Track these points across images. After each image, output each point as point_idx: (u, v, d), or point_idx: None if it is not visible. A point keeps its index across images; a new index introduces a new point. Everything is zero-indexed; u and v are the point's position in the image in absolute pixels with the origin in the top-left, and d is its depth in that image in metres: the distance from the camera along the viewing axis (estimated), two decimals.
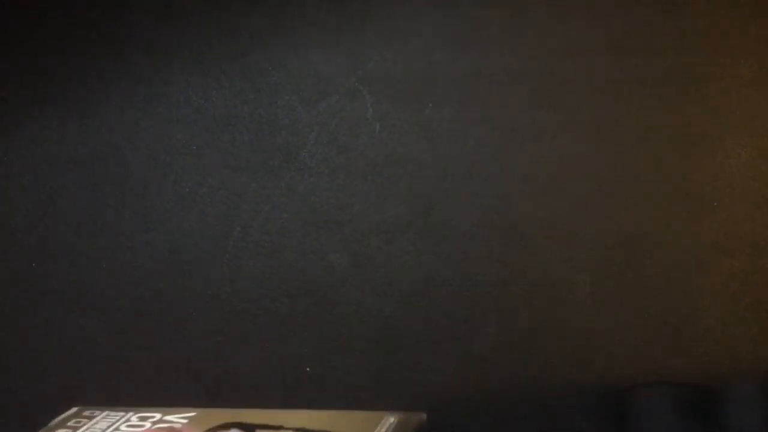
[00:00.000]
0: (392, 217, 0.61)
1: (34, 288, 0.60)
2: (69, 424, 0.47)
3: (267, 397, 0.58)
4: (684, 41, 0.65)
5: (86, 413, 0.48)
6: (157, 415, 0.46)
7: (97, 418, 0.47)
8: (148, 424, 0.45)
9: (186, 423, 0.45)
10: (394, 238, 0.61)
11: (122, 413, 0.47)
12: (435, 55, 0.64)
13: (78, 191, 0.61)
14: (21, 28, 0.63)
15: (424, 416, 0.45)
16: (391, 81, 0.63)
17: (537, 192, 0.61)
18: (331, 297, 0.60)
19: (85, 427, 0.46)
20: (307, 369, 0.59)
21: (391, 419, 0.44)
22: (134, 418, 0.46)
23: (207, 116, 0.62)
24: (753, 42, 0.65)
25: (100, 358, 0.59)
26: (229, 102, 0.63)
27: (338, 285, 0.60)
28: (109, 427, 0.45)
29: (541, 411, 0.58)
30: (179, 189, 0.61)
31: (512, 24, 0.65)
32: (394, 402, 0.58)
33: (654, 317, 0.60)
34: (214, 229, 0.61)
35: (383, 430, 0.43)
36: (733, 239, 0.62)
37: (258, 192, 0.61)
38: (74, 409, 0.49)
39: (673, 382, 0.58)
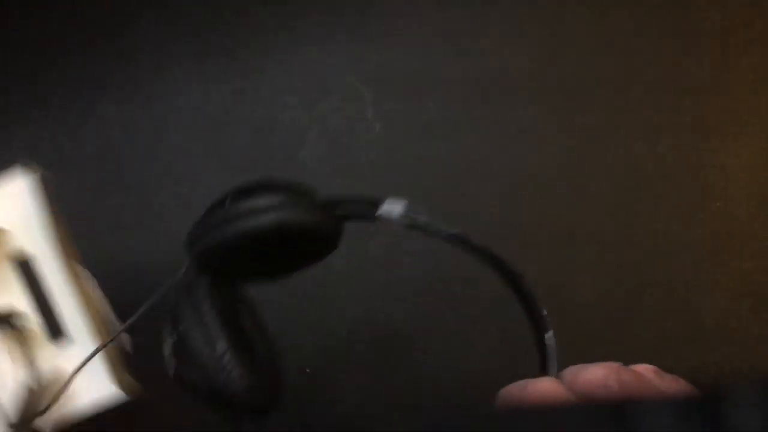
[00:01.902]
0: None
1: None
2: None
3: None
4: (685, 41, 0.65)
5: None
6: None
7: None
8: None
9: None
10: (394, 238, 0.60)
11: None
12: (435, 55, 0.64)
13: (77, 191, 0.61)
14: (21, 28, 0.63)
15: None
16: (391, 81, 0.63)
17: (538, 191, 0.61)
18: (331, 297, 0.60)
19: None
20: (307, 370, 0.58)
21: None
22: None
23: (207, 116, 0.62)
24: (754, 42, 0.65)
25: None
26: (229, 102, 0.63)
27: (338, 285, 0.60)
28: None
29: (541, 411, 0.58)
30: (178, 189, 0.61)
31: (511, 24, 0.65)
32: (393, 402, 0.58)
33: (655, 317, 0.60)
34: None
35: None
36: (735, 239, 0.62)
37: None
38: None
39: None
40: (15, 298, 0.44)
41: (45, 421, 0.42)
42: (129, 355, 0.47)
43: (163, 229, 0.61)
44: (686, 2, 0.66)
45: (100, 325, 0.46)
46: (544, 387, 0.33)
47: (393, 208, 0.36)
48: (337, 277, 0.60)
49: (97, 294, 0.47)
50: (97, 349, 0.43)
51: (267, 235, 0.34)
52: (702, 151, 0.63)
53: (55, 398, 0.42)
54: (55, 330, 0.45)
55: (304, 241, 0.36)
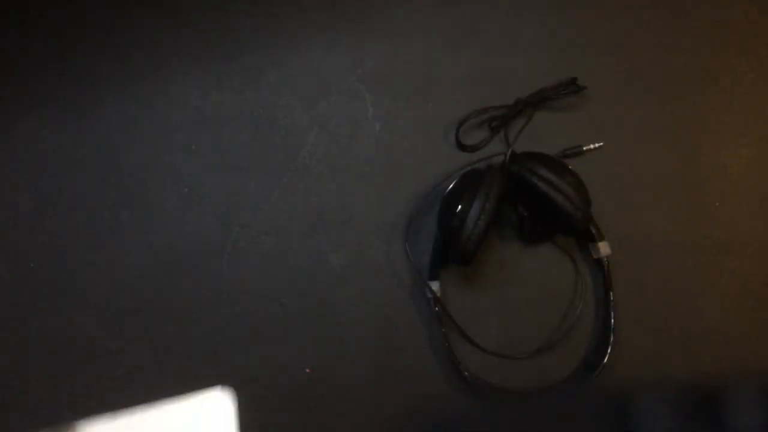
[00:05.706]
0: (392, 217, 0.61)
1: (34, 288, 0.60)
2: None
3: (266, 399, 0.58)
4: (686, 41, 0.65)
5: None
6: None
7: None
8: None
9: None
10: (394, 238, 0.60)
11: None
12: (435, 55, 0.64)
13: (77, 191, 0.61)
14: (20, 28, 0.63)
15: None
16: (391, 81, 0.63)
17: None
18: (331, 297, 0.60)
19: None
20: (307, 370, 0.58)
21: None
22: None
23: (207, 116, 0.62)
24: (754, 42, 0.65)
25: (100, 358, 0.59)
26: (229, 102, 0.63)
27: (338, 285, 0.60)
28: None
29: (541, 410, 0.58)
30: (179, 189, 0.61)
31: (511, 24, 0.65)
32: (391, 403, 0.58)
33: (656, 317, 0.60)
34: (214, 229, 0.60)
35: None
36: (736, 239, 0.62)
37: (258, 192, 0.61)
38: None
39: (674, 382, 0.58)
40: None
41: None
42: None
43: (163, 230, 0.61)
44: (687, 3, 0.66)
45: None
46: None
47: None
48: (337, 277, 0.60)
49: None
50: None
51: None
52: (702, 151, 0.63)
53: None
54: None
55: None
